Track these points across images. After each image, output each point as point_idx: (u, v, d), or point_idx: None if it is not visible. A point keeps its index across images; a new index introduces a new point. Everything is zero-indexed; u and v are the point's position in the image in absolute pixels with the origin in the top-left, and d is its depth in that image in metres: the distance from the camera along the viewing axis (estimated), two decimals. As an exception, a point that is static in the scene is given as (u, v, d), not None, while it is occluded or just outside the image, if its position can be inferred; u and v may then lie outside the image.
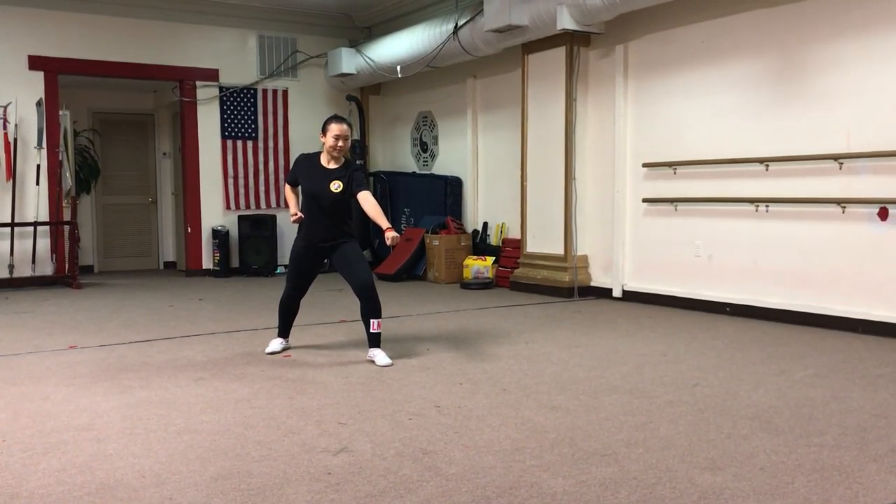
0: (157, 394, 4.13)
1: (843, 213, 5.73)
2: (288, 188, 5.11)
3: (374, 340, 4.83)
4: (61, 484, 2.85)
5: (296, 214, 4.93)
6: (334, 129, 4.77)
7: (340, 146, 4.79)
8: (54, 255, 9.23)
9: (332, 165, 4.85)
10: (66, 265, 9.20)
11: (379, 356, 4.76)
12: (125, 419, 3.66)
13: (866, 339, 5.41)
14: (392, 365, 4.68)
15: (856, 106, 5.66)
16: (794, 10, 6.03)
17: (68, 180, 9.28)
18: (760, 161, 6.23)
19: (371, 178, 10.69)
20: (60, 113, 9.26)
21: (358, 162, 10.06)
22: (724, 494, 2.69)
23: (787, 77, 6.10)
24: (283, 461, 3.07)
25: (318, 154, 4.94)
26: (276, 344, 5.17)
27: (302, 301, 5.17)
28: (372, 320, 4.78)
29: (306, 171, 4.91)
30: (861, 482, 2.80)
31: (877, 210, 5.54)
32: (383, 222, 4.66)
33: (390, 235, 4.58)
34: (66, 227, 9.18)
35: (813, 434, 3.35)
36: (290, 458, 3.10)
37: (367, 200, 4.78)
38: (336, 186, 4.80)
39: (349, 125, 4.86)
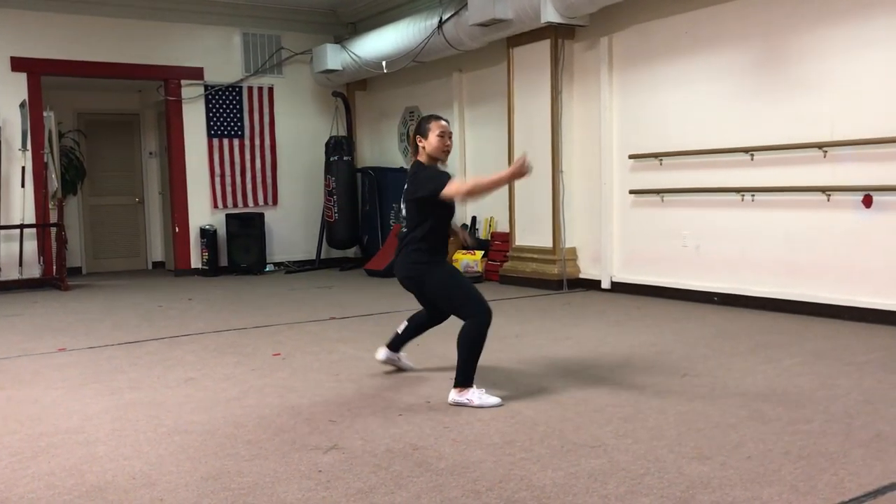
0: (147, 395, 4.13)
1: (829, 200, 5.76)
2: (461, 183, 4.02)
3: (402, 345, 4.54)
4: (51, 488, 2.85)
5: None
6: (438, 125, 4.00)
7: (449, 145, 4.05)
8: (42, 258, 9.19)
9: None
10: (54, 267, 9.16)
11: (406, 362, 4.59)
12: (115, 421, 3.66)
13: (853, 325, 5.45)
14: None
15: (839, 94, 5.69)
16: (776, -1, 6.06)
17: (54, 182, 9.23)
18: (745, 150, 6.26)
19: (359, 174, 10.69)
20: (45, 114, 9.21)
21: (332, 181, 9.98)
22: (711, 483, 2.71)
23: (771, 66, 6.13)
24: (273, 460, 3.08)
25: (424, 164, 4.06)
26: (488, 395, 3.85)
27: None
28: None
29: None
30: (847, 468, 2.83)
31: (861, 197, 5.58)
32: (497, 176, 3.90)
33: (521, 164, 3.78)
34: (53, 229, 9.13)
35: (800, 421, 3.38)
36: (280, 457, 3.11)
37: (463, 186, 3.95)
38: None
39: (448, 122, 4.13)
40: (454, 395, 3.77)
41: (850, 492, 2.62)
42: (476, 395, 3.76)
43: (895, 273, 5.43)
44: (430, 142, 3.99)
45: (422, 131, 4.04)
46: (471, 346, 3.79)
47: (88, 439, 3.39)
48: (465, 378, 3.77)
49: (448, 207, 4.08)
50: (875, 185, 5.48)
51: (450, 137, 4.05)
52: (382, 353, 4.49)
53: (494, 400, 3.75)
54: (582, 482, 2.76)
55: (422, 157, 4.04)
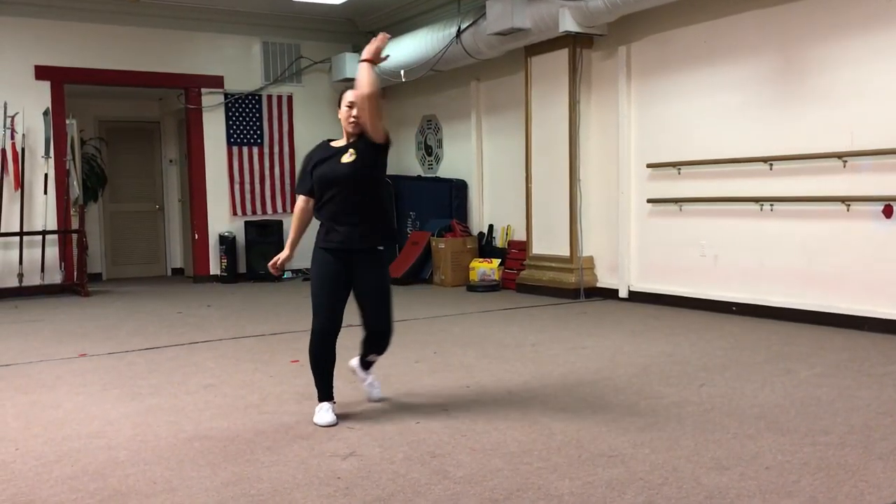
0: (167, 401, 4.17)
1: (848, 211, 5.73)
2: (297, 208, 3.96)
3: (368, 367, 4.10)
4: (74, 491, 2.89)
5: (276, 260, 3.98)
6: (348, 95, 3.75)
7: (356, 116, 3.69)
8: (63, 264, 9.29)
9: (350, 141, 3.79)
10: (75, 273, 9.26)
11: (375, 386, 4.12)
12: (136, 426, 3.70)
13: (872, 336, 5.41)
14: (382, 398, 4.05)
15: (859, 104, 5.66)
16: (795, 8, 6.04)
17: (76, 189, 9.34)
18: (764, 160, 6.24)
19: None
20: (67, 122, 9.33)
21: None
22: (729, 494, 2.71)
23: (790, 76, 6.11)
24: (292, 466, 3.10)
25: (333, 140, 3.91)
26: (326, 412, 3.70)
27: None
28: (373, 356, 4.00)
29: (316, 162, 3.82)
30: (867, 480, 2.81)
31: (881, 207, 5.54)
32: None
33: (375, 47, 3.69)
34: (75, 236, 9.24)
35: (819, 433, 3.36)
36: (299, 463, 3.13)
37: (357, 104, 3.70)
38: (349, 156, 3.69)
39: (372, 92, 3.64)
40: None
41: (869, 504, 2.61)
42: (316, 410, 3.73)
43: (916, 284, 5.39)
44: (340, 113, 3.78)
45: (339, 103, 3.82)
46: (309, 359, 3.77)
47: (110, 444, 3.43)
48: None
49: (320, 185, 3.74)
50: (895, 195, 5.44)
51: (351, 107, 3.70)
52: (354, 361, 4.13)
53: (325, 419, 3.65)
54: (599, 492, 2.76)
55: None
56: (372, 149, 3.74)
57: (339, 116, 3.81)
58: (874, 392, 4.00)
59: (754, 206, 6.38)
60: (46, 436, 3.58)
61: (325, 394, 3.75)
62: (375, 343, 3.89)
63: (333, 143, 3.85)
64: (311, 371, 3.78)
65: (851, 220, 5.73)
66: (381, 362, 4.95)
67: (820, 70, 5.91)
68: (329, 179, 3.71)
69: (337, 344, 3.77)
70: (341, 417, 3.76)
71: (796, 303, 6.08)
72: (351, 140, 3.77)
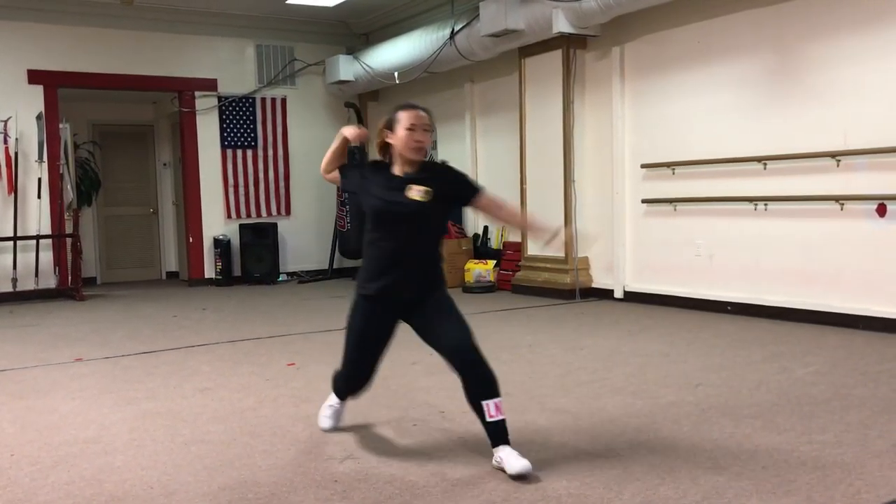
0: (164, 405, 4.16)
1: (842, 210, 5.75)
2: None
3: (499, 434, 3.01)
4: (70, 497, 2.88)
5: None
6: (408, 116, 3.14)
7: (419, 140, 3.14)
8: (57, 268, 9.27)
9: (409, 170, 3.20)
10: (70, 277, 9.23)
11: (511, 459, 2.93)
12: (132, 431, 3.69)
13: (867, 335, 5.43)
14: (529, 472, 2.91)
15: (853, 103, 5.68)
16: (789, 8, 6.06)
17: (69, 193, 9.31)
18: (758, 160, 6.25)
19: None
20: (60, 126, 9.30)
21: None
22: (727, 494, 2.71)
23: (784, 75, 6.13)
24: (289, 469, 3.10)
25: (379, 162, 3.34)
26: (328, 416, 3.60)
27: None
28: (485, 402, 3.00)
29: (365, 183, 3.30)
30: (863, 479, 2.82)
31: (875, 206, 5.56)
32: (540, 224, 3.23)
33: (561, 235, 3.23)
34: (69, 240, 9.21)
35: (815, 431, 3.37)
36: (296, 467, 3.13)
37: (494, 202, 3.27)
38: (419, 193, 3.11)
39: (428, 112, 3.23)
40: None
41: (866, 503, 2.62)
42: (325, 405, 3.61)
43: (910, 282, 5.41)
44: (396, 137, 3.17)
45: (388, 124, 3.23)
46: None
47: (106, 449, 3.42)
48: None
49: (372, 216, 3.24)
50: (889, 194, 5.46)
51: (425, 132, 3.16)
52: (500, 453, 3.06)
53: (323, 423, 3.57)
54: (597, 492, 2.76)
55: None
56: (464, 197, 3.24)
57: (391, 142, 3.20)
58: (870, 390, 4.02)
59: (749, 206, 6.39)
60: (42, 441, 3.56)
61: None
62: (470, 377, 3.05)
63: (393, 171, 3.23)
64: (329, 380, 3.61)
65: (845, 219, 5.75)
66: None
67: (813, 70, 5.93)
68: (388, 214, 3.17)
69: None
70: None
71: (791, 302, 6.09)
72: (412, 171, 3.18)
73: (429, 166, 3.26)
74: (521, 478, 2.88)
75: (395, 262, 3.16)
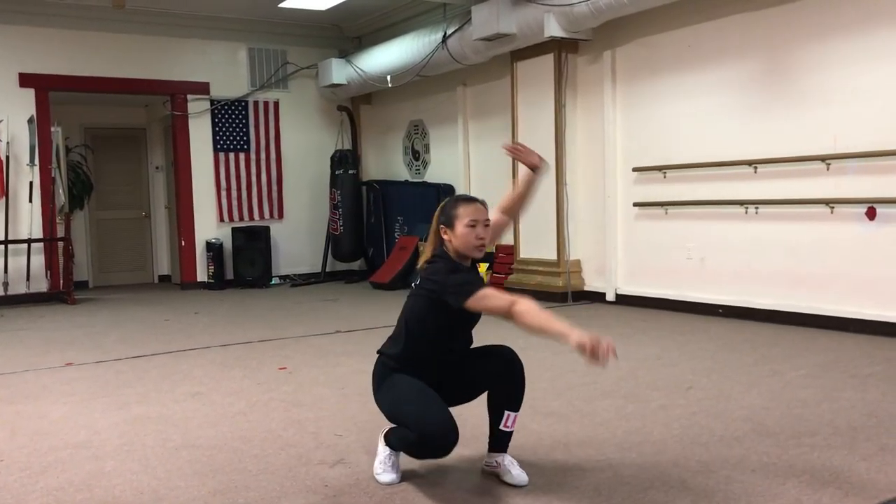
0: (155, 409, 4.16)
1: (832, 213, 5.78)
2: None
3: (505, 443, 3.03)
4: (60, 502, 2.87)
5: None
6: (467, 212, 2.93)
7: (482, 238, 2.94)
8: (49, 272, 9.24)
9: (467, 265, 3.02)
10: (61, 281, 9.20)
11: (514, 469, 2.97)
12: (123, 436, 3.68)
13: (857, 337, 5.45)
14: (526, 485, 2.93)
15: (842, 107, 5.71)
16: (779, 12, 6.09)
17: (61, 196, 9.28)
18: (749, 163, 6.28)
19: (364, 188, 10.74)
20: (52, 129, 9.27)
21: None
22: (716, 497, 2.73)
23: (774, 79, 6.16)
24: (280, 474, 3.10)
25: (441, 259, 2.96)
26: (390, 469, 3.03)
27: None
28: (508, 412, 2.98)
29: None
30: (851, 481, 2.84)
31: (865, 210, 5.59)
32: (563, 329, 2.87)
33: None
34: (60, 244, 9.19)
35: (804, 435, 3.39)
36: (287, 471, 3.13)
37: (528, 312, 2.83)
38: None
39: (485, 204, 3.03)
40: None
41: (854, 505, 2.64)
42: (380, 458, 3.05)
43: (899, 285, 5.44)
44: (456, 233, 2.93)
45: (446, 219, 2.96)
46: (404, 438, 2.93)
47: (97, 454, 3.42)
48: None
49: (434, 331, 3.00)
50: (878, 197, 5.49)
51: (485, 227, 2.95)
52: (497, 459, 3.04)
53: (384, 478, 2.99)
54: (587, 496, 2.77)
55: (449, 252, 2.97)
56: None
57: (448, 239, 2.96)
58: (859, 393, 4.04)
59: (740, 209, 6.42)
60: (32, 446, 3.55)
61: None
62: (505, 383, 2.99)
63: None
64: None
65: (836, 223, 5.78)
66: (369, 369, 4.96)
67: (803, 73, 5.96)
68: (457, 329, 3.04)
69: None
70: (328, 426, 3.75)
71: (782, 305, 6.12)
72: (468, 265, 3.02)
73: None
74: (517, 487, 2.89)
75: (452, 348, 3.06)
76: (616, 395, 4.18)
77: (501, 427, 2.97)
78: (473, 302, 2.80)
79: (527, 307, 2.79)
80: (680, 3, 6.57)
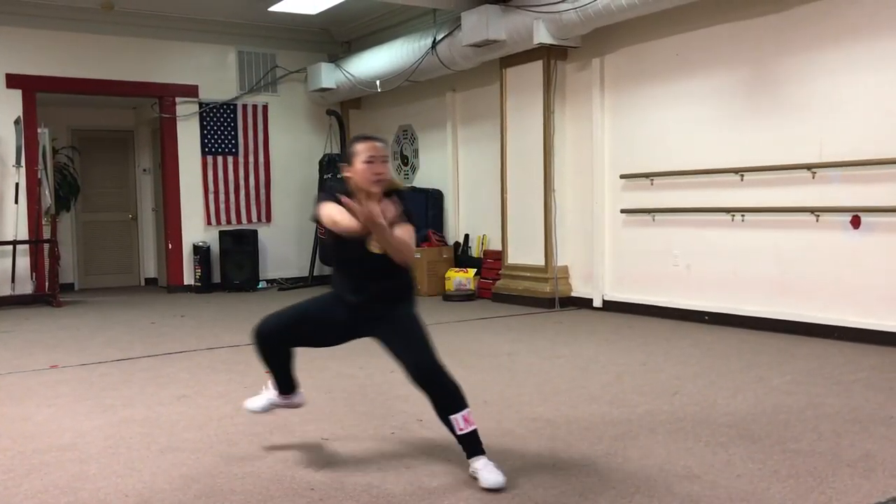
0: (140, 412, 4.14)
1: (818, 221, 5.82)
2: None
3: (472, 445, 3.02)
4: (44, 505, 2.86)
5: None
6: (365, 148, 3.10)
7: (379, 172, 3.09)
8: (34, 274, 9.18)
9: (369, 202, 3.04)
10: (47, 283, 9.14)
11: (485, 473, 2.94)
12: (108, 438, 3.66)
13: (841, 345, 5.49)
14: (502, 486, 2.89)
15: (828, 116, 5.76)
16: (767, 22, 6.15)
17: (47, 198, 9.24)
18: (735, 171, 6.32)
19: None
20: (39, 131, 9.22)
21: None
22: (701, 502, 2.74)
23: (761, 88, 6.21)
24: (266, 478, 3.09)
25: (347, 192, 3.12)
26: (263, 399, 3.56)
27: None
28: (453, 417, 2.99)
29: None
30: (835, 487, 2.86)
31: (849, 218, 5.64)
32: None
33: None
34: (46, 246, 9.13)
35: (789, 440, 3.41)
36: (273, 475, 3.12)
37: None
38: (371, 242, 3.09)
39: (384, 142, 3.22)
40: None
41: (837, 511, 2.65)
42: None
43: (883, 293, 5.48)
44: (355, 170, 3.10)
45: (347, 157, 3.17)
46: None
47: (81, 457, 3.40)
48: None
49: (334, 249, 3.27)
50: (863, 206, 5.54)
51: (383, 162, 3.12)
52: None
53: (254, 404, 3.54)
54: (573, 500, 2.78)
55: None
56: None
57: (351, 175, 3.12)
58: (843, 400, 4.07)
59: (726, 217, 6.46)
60: (16, 449, 3.53)
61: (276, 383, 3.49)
62: (434, 394, 3.02)
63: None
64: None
65: (821, 231, 5.82)
66: (356, 373, 4.95)
67: (789, 83, 6.01)
68: (348, 253, 3.19)
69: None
70: (314, 429, 3.74)
71: (768, 311, 6.16)
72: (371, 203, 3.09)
73: (392, 194, 3.19)
74: (495, 490, 2.88)
75: (358, 287, 3.19)
76: (602, 400, 4.19)
77: (457, 432, 2.99)
78: (320, 215, 3.13)
79: (337, 220, 3.04)
80: (668, 11, 6.61)
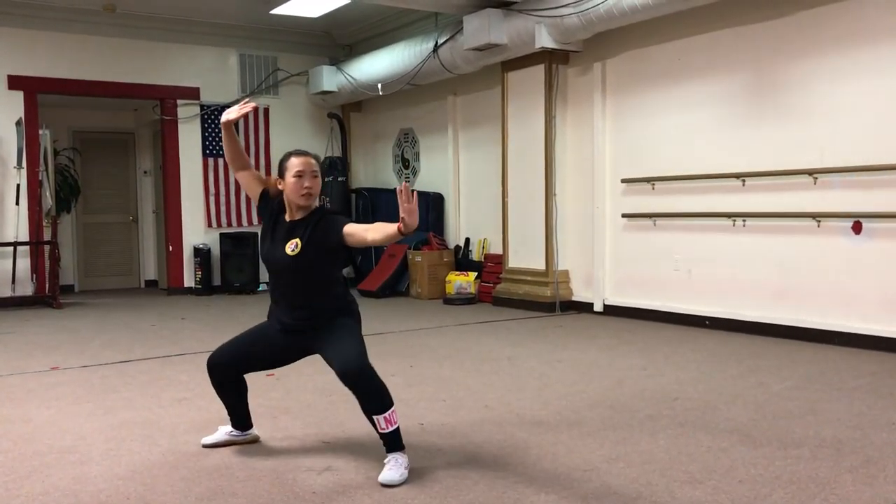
0: (141, 414, 4.13)
1: (819, 226, 5.83)
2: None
3: (391, 443, 3.14)
4: (45, 507, 2.85)
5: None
6: (295, 163, 3.25)
7: (308, 187, 3.23)
8: (35, 275, 9.17)
9: (297, 216, 3.30)
10: (47, 285, 9.14)
11: (385, 469, 3.09)
12: (109, 441, 3.66)
13: (842, 350, 5.49)
14: (393, 483, 3.02)
15: (829, 121, 5.77)
16: (768, 27, 6.15)
17: (48, 200, 9.24)
18: (737, 176, 6.33)
19: (353, 195, 10.74)
20: (40, 132, 9.22)
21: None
22: (703, 507, 2.74)
23: (763, 93, 6.21)
24: (267, 481, 3.09)
25: (281, 204, 3.37)
26: (221, 434, 3.59)
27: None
28: (376, 417, 3.11)
29: (267, 223, 3.40)
30: (836, 493, 2.85)
31: (851, 224, 5.64)
32: (392, 227, 2.99)
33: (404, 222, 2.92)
34: (47, 247, 9.13)
35: (790, 446, 3.41)
36: (274, 478, 3.12)
37: (356, 233, 3.14)
38: (293, 247, 3.24)
39: (315, 158, 3.37)
40: None
41: (839, 517, 2.65)
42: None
43: (884, 299, 5.48)
44: (286, 184, 3.26)
45: (280, 171, 3.33)
46: None
47: (82, 459, 3.39)
48: None
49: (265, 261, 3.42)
50: (864, 211, 5.54)
51: (313, 178, 3.25)
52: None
53: (210, 438, 3.56)
54: (574, 505, 2.78)
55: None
56: (332, 242, 3.19)
57: (282, 188, 3.29)
58: (844, 405, 4.06)
59: (727, 222, 6.46)
60: (16, 451, 3.53)
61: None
62: (360, 395, 3.12)
63: (285, 217, 3.34)
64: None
65: (822, 236, 5.82)
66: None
67: (791, 88, 6.02)
68: (271, 265, 3.35)
69: None
70: (316, 433, 3.74)
71: (768, 317, 6.16)
72: (299, 217, 3.29)
73: (315, 212, 3.30)
74: (386, 486, 3.00)
75: (290, 306, 3.33)
76: (603, 405, 4.19)
77: (378, 430, 3.12)
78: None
79: (351, 230, 3.16)
80: (670, 16, 6.62)
